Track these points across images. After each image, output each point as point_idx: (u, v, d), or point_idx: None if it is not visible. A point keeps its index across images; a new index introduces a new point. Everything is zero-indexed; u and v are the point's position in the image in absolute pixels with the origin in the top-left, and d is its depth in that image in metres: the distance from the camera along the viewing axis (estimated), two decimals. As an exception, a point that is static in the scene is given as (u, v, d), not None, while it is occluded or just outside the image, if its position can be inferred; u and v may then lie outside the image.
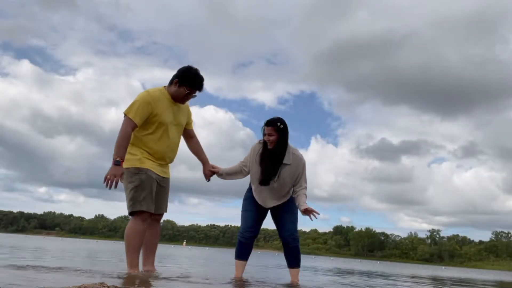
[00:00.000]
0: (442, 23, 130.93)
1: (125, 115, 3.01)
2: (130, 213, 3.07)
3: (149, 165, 3.11)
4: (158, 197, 3.21)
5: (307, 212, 3.29)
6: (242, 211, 3.59)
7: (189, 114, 3.44)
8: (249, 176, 3.56)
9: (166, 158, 3.25)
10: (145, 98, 3.04)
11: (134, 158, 3.09)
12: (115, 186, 2.84)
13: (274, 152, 3.37)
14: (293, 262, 3.53)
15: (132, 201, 3.03)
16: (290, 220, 3.50)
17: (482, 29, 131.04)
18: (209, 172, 3.54)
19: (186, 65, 3.22)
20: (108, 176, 2.83)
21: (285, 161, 3.37)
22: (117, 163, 2.87)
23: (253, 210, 3.52)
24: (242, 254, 3.53)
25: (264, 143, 3.42)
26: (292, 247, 3.49)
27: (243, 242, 3.52)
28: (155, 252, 3.38)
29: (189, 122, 3.45)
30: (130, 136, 3.00)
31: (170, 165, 3.42)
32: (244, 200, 3.62)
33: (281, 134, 3.36)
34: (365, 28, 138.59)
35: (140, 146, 3.13)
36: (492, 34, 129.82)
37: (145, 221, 3.09)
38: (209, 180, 3.58)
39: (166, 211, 3.37)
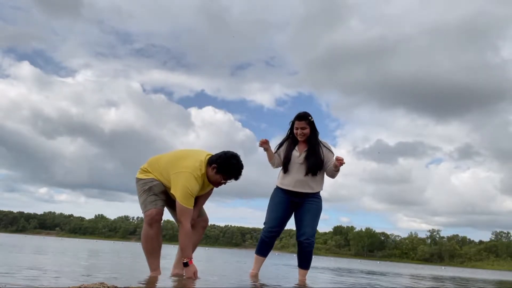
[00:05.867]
0: (434, 30, 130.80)
1: (184, 206, 2.94)
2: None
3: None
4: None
5: (338, 160, 3.40)
6: (268, 211, 3.71)
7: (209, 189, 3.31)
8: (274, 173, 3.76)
9: None
10: (194, 188, 2.99)
11: (148, 175, 3.12)
12: (198, 277, 3.02)
13: (313, 148, 3.58)
14: (304, 264, 3.73)
15: (142, 205, 3.04)
16: (310, 224, 3.59)
17: (473, 36, 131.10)
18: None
19: (228, 151, 3.12)
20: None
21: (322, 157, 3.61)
22: (185, 265, 3.00)
23: (279, 212, 3.66)
24: (263, 251, 3.76)
25: (292, 137, 3.68)
26: (306, 251, 3.63)
27: (266, 241, 3.70)
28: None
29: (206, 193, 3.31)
30: (191, 232, 3.05)
31: None
32: (271, 200, 3.74)
33: (312, 127, 3.62)
34: (358, 35, 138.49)
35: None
36: (483, 40, 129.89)
37: (151, 224, 2.97)
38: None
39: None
